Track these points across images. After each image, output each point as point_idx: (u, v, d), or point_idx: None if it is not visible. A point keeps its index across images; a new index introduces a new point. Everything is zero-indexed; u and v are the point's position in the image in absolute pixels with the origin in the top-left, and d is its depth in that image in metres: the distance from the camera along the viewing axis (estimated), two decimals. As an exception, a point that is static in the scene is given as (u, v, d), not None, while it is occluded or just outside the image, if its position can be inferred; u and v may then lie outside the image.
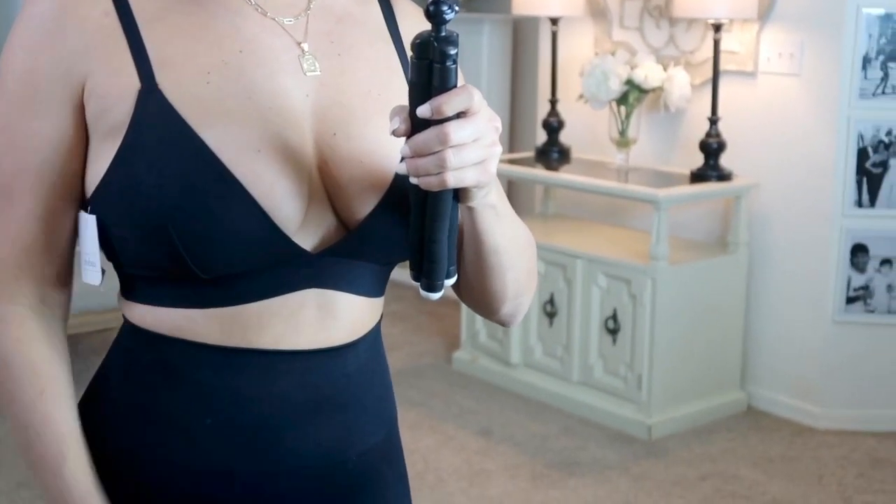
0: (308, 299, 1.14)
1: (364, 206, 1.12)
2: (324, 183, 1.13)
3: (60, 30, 1.11)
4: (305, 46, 1.16)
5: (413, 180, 1.01)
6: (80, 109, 1.12)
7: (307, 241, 1.12)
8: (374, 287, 1.19)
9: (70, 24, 1.11)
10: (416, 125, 0.99)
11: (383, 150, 1.13)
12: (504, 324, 1.29)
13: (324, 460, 1.18)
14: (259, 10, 1.16)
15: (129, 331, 1.19)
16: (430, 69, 0.98)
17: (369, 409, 1.22)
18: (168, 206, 1.07)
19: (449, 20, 0.97)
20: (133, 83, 1.10)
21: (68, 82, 1.11)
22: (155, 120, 1.09)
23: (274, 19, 1.17)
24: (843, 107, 3.83)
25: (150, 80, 1.10)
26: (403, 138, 1.01)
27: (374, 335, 1.23)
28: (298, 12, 1.18)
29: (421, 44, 0.98)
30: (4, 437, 3.85)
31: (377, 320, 1.23)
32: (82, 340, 4.41)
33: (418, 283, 1.06)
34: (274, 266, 1.11)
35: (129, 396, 1.18)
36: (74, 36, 1.11)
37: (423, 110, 0.97)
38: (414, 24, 1.23)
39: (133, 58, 1.10)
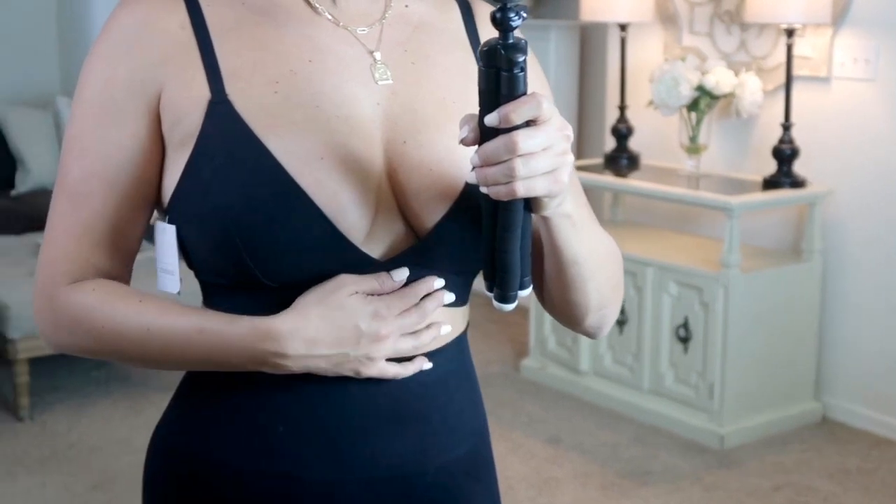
0: None
1: (434, 215, 1.12)
2: (393, 191, 1.13)
3: (139, 42, 1.14)
4: (378, 55, 1.17)
5: (483, 190, 0.99)
6: (157, 120, 1.14)
7: (376, 248, 1.13)
8: (455, 296, 1.18)
9: (148, 36, 1.13)
10: (486, 134, 0.97)
11: (454, 158, 1.13)
12: (590, 335, 1.27)
13: (398, 471, 1.18)
14: (332, 19, 1.17)
15: None
16: (497, 77, 0.96)
17: (450, 421, 1.21)
18: (233, 215, 1.09)
19: (516, 27, 0.96)
20: (204, 94, 1.12)
21: (145, 93, 1.14)
22: (223, 130, 1.11)
23: (346, 28, 1.17)
24: (920, 112, 3.77)
25: (219, 91, 1.12)
26: (475, 146, 1.01)
27: (456, 345, 1.22)
28: (373, 22, 1.19)
29: (488, 51, 0.97)
30: (78, 441, 3.90)
31: (460, 331, 1.22)
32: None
33: (491, 294, 1.05)
34: (340, 273, 1.12)
35: (208, 402, 1.20)
36: (151, 48, 1.13)
37: (491, 119, 0.96)
38: (491, 31, 1.23)
39: (205, 69, 1.12)
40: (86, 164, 1.16)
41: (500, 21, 0.96)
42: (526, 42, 0.97)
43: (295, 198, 1.08)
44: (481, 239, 1.05)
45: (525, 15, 0.97)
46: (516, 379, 4.50)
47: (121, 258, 1.20)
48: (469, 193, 1.12)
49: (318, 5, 1.18)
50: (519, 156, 0.96)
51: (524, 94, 0.97)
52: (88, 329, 1.16)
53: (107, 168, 1.15)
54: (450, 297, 1.16)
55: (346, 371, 1.13)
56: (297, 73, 1.13)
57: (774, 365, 3.95)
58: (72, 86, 6.40)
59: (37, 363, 4.22)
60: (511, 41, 0.96)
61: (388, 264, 1.13)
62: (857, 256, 3.98)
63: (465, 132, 0.99)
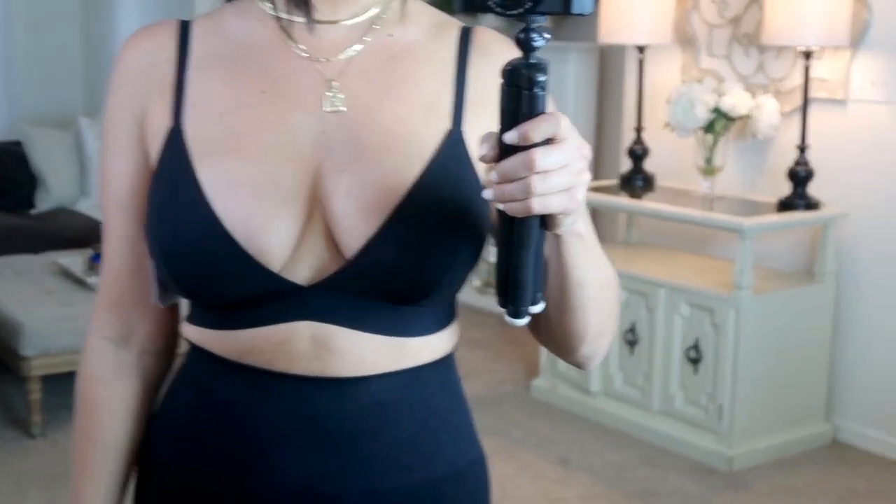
0: (299, 331, 1.15)
1: (360, 240, 1.13)
2: (325, 217, 1.14)
3: (133, 75, 1.22)
4: (335, 84, 1.18)
5: (499, 206, 0.99)
6: (145, 146, 1.22)
7: (302, 274, 1.14)
8: (391, 327, 1.17)
9: (140, 69, 1.22)
10: (505, 151, 0.98)
11: (386, 185, 1.13)
12: (581, 365, 1.25)
13: (310, 488, 1.17)
14: (299, 51, 1.19)
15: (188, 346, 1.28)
16: (519, 95, 0.97)
17: (388, 449, 1.19)
18: (162, 238, 1.15)
19: (539, 47, 0.97)
20: (166, 124, 1.18)
21: (135, 122, 1.22)
22: (170, 157, 1.17)
23: (312, 59, 1.19)
24: (937, 135, 3.74)
25: (178, 121, 1.18)
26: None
27: (410, 375, 1.19)
28: (342, 51, 1.20)
29: (511, 70, 0.98)
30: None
31: (420, 361, 1.20)
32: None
33: (504, 310, 1.05)
34: (263, 297, 1.15)
35: (169, 398, 1.28)
36: (141, 80, 1.22)
37: (511, 136, 0.96)
38: (489, 61, 1.21)
39: (173, 101, 1.19)
40: (105, 193, 1.25)
41: (524, 41, 0.97)
42: (548, 62, 0.98)
43: (209, 224, 1.12)
44: (497, 256, 1.04)
45: (548, 36, 0.98)
46: (527, 399, 4.48)
47: (144, 281, 1.26)
48: (397, 220, 1.12)
49: (291, 39, 1.20)
50: (536, 173, 0.96)
51: (544, 113, 0.97)
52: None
53: (117, 194, 1.24)
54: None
55: None
56: (246, 104, 1.17)
57: (785, 387, 3.91)
58: (94, 107, 6.48)
59: (50, 380, 4.23)
60: (533, 61, 0.97)
61: (311, 289, 1.14)
62: (870, 279, 3.95)
63: (485, 149, 0.99)
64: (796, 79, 4.07)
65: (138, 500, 1.29)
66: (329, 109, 1.17)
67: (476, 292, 5.35)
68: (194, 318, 1.22)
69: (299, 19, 1.19)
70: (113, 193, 1.24)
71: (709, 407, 3.87)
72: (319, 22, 1.19)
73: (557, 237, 1.08)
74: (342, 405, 1.17)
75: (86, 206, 6.06)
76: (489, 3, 0.97)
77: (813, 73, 3.93)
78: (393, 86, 1.19)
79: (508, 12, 0.96)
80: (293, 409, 1.16)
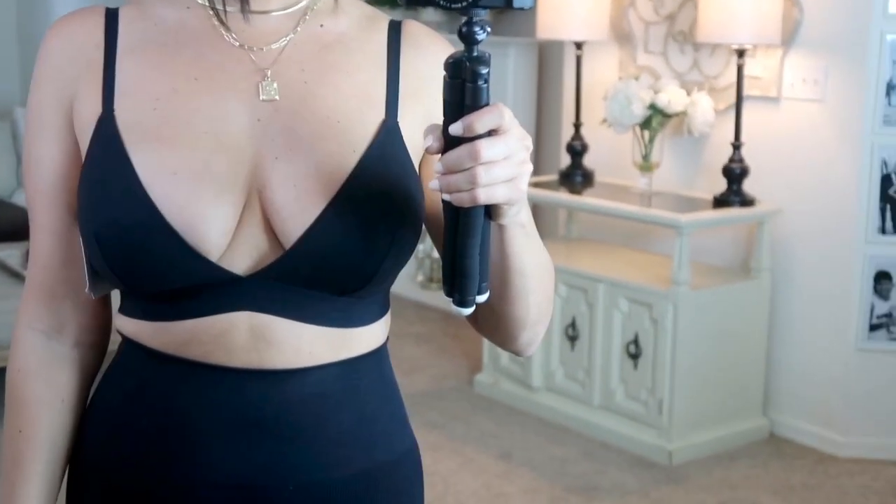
0: (238, 321, 1.15)
1: (298, 228, 1.13)
2: (262, 206, 1.14)
3: (60, 62, 1.20)
4: (269, 73, 1.18)
5: (445, 197, 1.02)
6: (73, 133, 1.20)
7: (240, 263, 1.14)
8: (329, 317, 1.18)
9: (67, 56, 1.20)
10: (450, 143, 1.00)
11: (322, 174, 1.14)
12: (520, 353, 1.27)
13: (246, 481, 1.17)
14: (231, 39, 1.20)
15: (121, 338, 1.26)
16: (462, 88, 0.99)
17: (325, 441, 1.19)
18: (97, 226, 1.14)
19: (481, 41, 0.99)
20: (97, 110, 1.17)
21: (62, 109, 1.20)
22: (102, 144, 1.16)
23: (244, 47, 1.19)
24: (867, 133, 3.82)
25: (109, 107, 1.17)
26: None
27: (346, 366, 1.21)
28: (278, 40, 1.21)
29: (454, 63, 1.00)
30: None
31: (356, 353, 1.21)
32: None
33: (451, 299, 1.07)
34: (201, 287, 1.14)
35: (101, 391, 1.26)
36: (68, 67, 1.20)
37: (455, 128, 0.99)
38: (421, 54, 1.24)
39: (103, 86, 1.18)
40: (30, 182, 1.23)
41: (466, 35, 0.99)
42: (490, 56, 1.00)
43: (145, 212, 1.12)
44: (443, 246, 1.07)
45: (489, 30, 1.00)
46: (469, 394, 4.52)
47: (75, 271, 1.24)
48: (334, 209, 1.13)
49: (222, 27, 1.20)
50: (481, 164, 0.98)
51: (487, 104, 1.00)
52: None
53: (46, 183, 1.22)
54: None
55: None
56: (178, 91, 1.17)
57: (723, 381, 3.98)
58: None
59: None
60: (476, 54, 0.99)
61: (249, 279, 1.14)
62: (804, 275, 4.03)
63: (430, 141, 1.01)
64: (730, 76, 4.13)
65: (70, 496, 1.27)
66: (264, 98, 1.17)
67: (420, 287, 5.37)
68: (128, 310, 1.21)
69: (231, 8, 1.19)
70: (40, 182, 1.21)
71: (649, 402, 3.93)
72: (253, 12, 1.20)
73: (501, 227, 1.10)
74: (280, 398, 1.17)
75: (22, 199, 5.98)
76: None
77: (746, 71, 3.98)
78: (325, 75, 1.20)
79: (452, 6, 0.98)
80: (230, 401, 1.16)
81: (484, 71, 0.99)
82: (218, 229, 1.12)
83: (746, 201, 4.00)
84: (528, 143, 1.04)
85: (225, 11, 1.19)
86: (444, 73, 1.01)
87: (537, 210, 5.18)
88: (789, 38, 3.96)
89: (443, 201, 1.03)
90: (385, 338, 1.26)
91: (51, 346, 1.25)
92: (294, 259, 1.14)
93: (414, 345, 5.00)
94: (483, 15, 1.00)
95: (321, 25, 1.23)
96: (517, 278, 1.15)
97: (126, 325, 1.22)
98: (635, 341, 3.96)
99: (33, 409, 1.24)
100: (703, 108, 4.12)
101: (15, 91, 6.83)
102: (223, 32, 1.20)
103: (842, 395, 3.95)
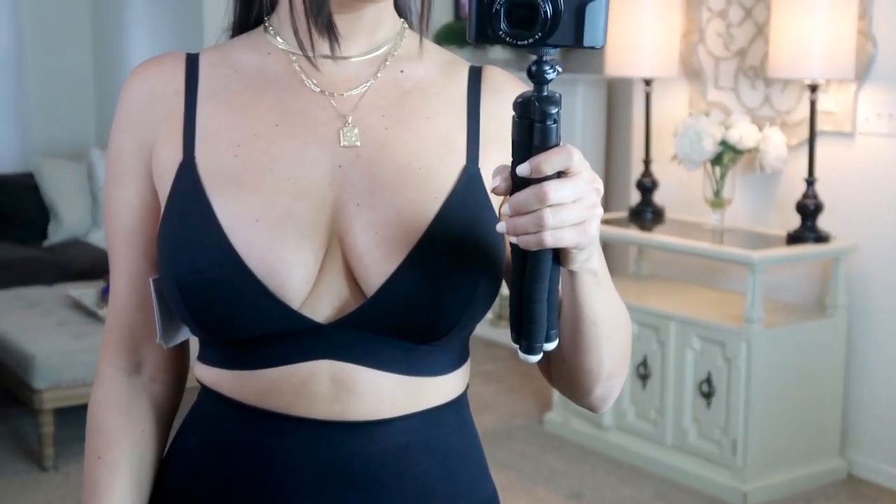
0: (320, 370, 1.14)
1: (379, 277, 1.12)
2: (343, 253, 1.13)
3: (140, 107, 1.21)
4: (350, 119, 1.18)
5: (512, 239, 1.00)
6: (152, 180, 1.21)
7: (321, 310, 1.13)
8: (410, 366, 1.16)
9: (148, 101, 1.21)
10: (517, 184, 0.99)
11: (403, 221, 1.13)
12: (594, 408, 1.24)
13: None
14: (312, 85, 1.20)
15: (200, 387, 1.26)
16: (531, 128, 0.98)
17: (409, 493, 1.18)
18: (179, 274, 1.13)
19: (550, 80, 0.98)
20: (178, 156, 1.17)
21: (140, 156, 1.21)
22: (184, 190, 1.15)
23: (325, 93, 1.19)
24: (945, 168, 3.75)
25: (190, 153, 1.17)
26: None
27: (428, 416, 1.19)
28: (355, 86, 1.20)
29: (522, 103, 0.98)
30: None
31: (438, 402, 1.20)
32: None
33: (518, 346, 1.05)
34: (283, 335, 1.13)
35: (180, 440, 1.26)
36: (149, 112, 1.21)
37: (523, 169, 0.97)
38: (500, 99, 1.23)
39: (184, 132, 1.18)
40: (110, 226, 1.24)
41: (536, 74, 0.98)
42: (560, 96, 0.99)
43: (228, 258, 1.11)
44: (510, 291, 1.05)
45: (559, 69, 0.99)
46: (539, 433, 4.49)
47: (151, 314, 1.25)
48: (417, 257, 1.12)
49: (303, 73, 1.20)
50: (549, 206, 0.96)
51: (556, 145, 0.98)
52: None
53: (124, 227, 1.23)
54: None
55: None
56: (260, 137, 1.17)
57: (798, 421, 3.91)
58: (106, 138, 6.47)
59: (62, 413, 4.25)
60: (545, 94, 0.98)
61: (331, 327, 1.13)
62: (881, 312, 3.95)
63: (498, 181, 1.00)
64: (803, 111, 4.08)
65: None
66: (345, 144, 1.16)
67: (489, 325, 5.35)
68: (207, 358, 1.21)
69: (313, 54, 1.19)
70: (119, 225, 1.23)
71: (722, 441, 3.87)
72: (335, 57, 1.20)
73: (572, 274, 1.07)
74: (364, 449, 1.15)
75: (98, 238, 6.09)
76: (501, 33, 0.97)
77: (819, 106, 3.94)
78: (406, 121, 1.20)
79: (520, 43, 0.97)
80: (313, 453, 1.15)
81: (553, 111, 0.97)
82: (300, 276, 1.12)
83: (821, 238, 3.94)
84: (599, 185, 1.01)
85: (311, 56, 1.19)
86: (512, 112, 1.00)
87: (607, 247, 5.15)
88: (863, 72, 3.91)
89: (511, 244, 1.02)
90: (465, 386, 1.24)
91: (131, 381, 1.27)
92: (375, 307, 1.12)
93: (484, 383, 4.98)
94: (553, 54, 0.98)
95: (401, 71, 1.23)
96: (589, 328, 1.13)
97: (205, 374, 1.21)
98: (708, 380, 3.90)
99: (113, 436, 1.24)
100: (776, 144, 4.07)
101: (90, 132, 6.97)
102: (304, 78, 1.20)
103: (922, 436, 3.86)
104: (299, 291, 1.12)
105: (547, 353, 1.09)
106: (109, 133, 1.25)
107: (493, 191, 1.00)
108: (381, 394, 1.15)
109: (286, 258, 1.11)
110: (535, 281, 1.01)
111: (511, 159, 1.00)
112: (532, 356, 1.03)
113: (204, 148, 1.17)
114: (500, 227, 1.00)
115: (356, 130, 1.17)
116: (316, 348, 1.14)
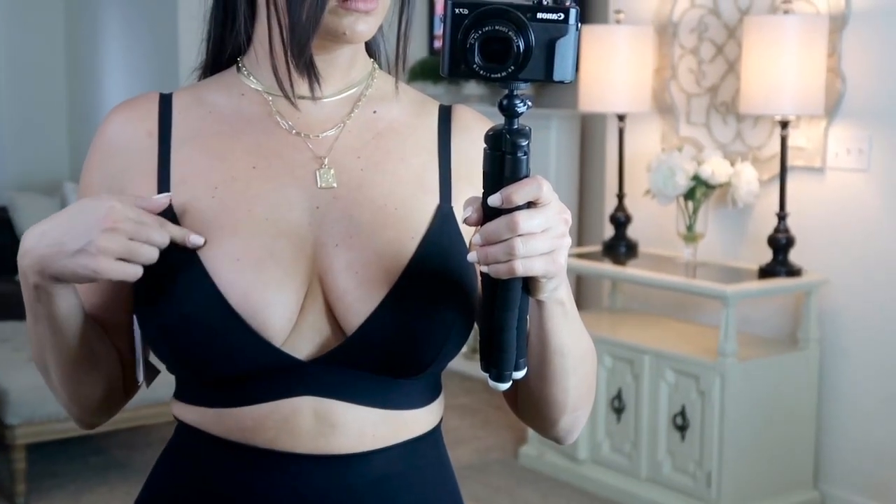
0: (303, 406, 1.16)
1: (359, 316, 1.14)
2: (324, 292, 1.15)
3: (111, 149, 1.22)
4: (326, 160, 1.20)
5: (483, 268, 1.03)
6: None
7: (303, 348, 1.15)
8: (390, 400, 1.19)
9: (119, 144, 1.22)
10: (488, 215, 1.02)
11: (383, 261, 1.15)
12: (559, 440, 1.26)
13: None
14: (287, 127, 1.21)
15: (177, 424, 1.26)
16: (502, 160, 1.01)
17: None
18: (164, 318, 1.14)
19: (521, 113, 1.02)
20: None
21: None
22: None
23: (301, 135, 1.21)
24: (914, 202, 3.80)
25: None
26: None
27: (406, 448, 1.21)
28: (333, 127, 1.22)
29: (494, 136, 1.02)
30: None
31: (415, 434, 1.22)
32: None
33: (487, 374, 1.07)
34: (266, 372, 1.15)
35: (157, 477, 1.26)
36: (119, 155, 1.21)
37: (494, 199, 1.00)
38: (470, 138, 1.26)
39: (158, 176, 1.19)
40: None
41: (507, 107, 1.02)
42: (530, 129, 1.02)
43: (211, 299, 1.13)
44: (479, 319, 1.07)
45: (530, 104, 1.02)
46: (514, 466, 4.49)
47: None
48: (395, 295, 1.14)
49: (278, 115, 1.22)
50: (519, 235, 1.00)
51: (527, 176, 1.01)
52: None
53: None
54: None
55: (79, 267, 1.09)
56: (237, 179, 1.19)
57: (772, 454, 3.93)
58: (80, 172, 6.48)
59: (35, 449, 4.22)
60: (516, 127, 1.01)
61: (313, 364, 1.15)
62: (853, 345, 3.99)
63: (469, 212, 1.03)
64: (774, 147, 4.13)
65: None
66: (322, 186, 1.18)
67: (464, 358, 5.36)
68: (186, 397, 1.21)
69: (291, 95, 1.20)
70: None
71: (697, 474, 3.88)
72: (313, 98, 1.22)
73: (540, 304, 1.10)
74: (344, 482, 1.17)
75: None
76: (475, 66, 1.00)
77: (790, 142, 3.99)
78: (381, 162, 1.22)
79: (492, 76, 1.00)
80: (296, 487, 1.16)
81: (523, 143, 1.01)
82: (281, 315, 1.13)
83: (793, 271, 3.98)
84: (567, 216, 1.04)
85: (290, 97, 1.21)
86: (484, 145, 1.02)
87: (581, 281, 5.17)
88: (833, 108, 3.97)
89: (481, 274, 1.05)
90: (440, 417, 1.27)
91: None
92: (356, 345, 1.14)
93: (459, 417, 4.98)
94: (524, 88, 1.02)
95: (374, 112, 1.25)
96: (556, 358, 1.15)
97: (185, 413, 1.22)
98: (682, 413, 3.92)
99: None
100: (748, 179, 4.12)
101: (64, 166, 6.96)
102: (278, 119, 1.22)
103: (894, 467, 3.89)
104: (281, 329, 1.14)
105: (514, 385, 1.12)
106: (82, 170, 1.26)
107: (465, 221, 1.03)
108: (363, 428, 1.17)
109: (268, 297, 1.13)
110: (505, 310, 1.04)
111: (482, 191, 1.03)
112: (502, 384, 1.07)
113: (180, 190, 1.18)
114: (472, 256, 1.03)
115: (332, 172, 1.20)
116: (298, 385, 1.15)
